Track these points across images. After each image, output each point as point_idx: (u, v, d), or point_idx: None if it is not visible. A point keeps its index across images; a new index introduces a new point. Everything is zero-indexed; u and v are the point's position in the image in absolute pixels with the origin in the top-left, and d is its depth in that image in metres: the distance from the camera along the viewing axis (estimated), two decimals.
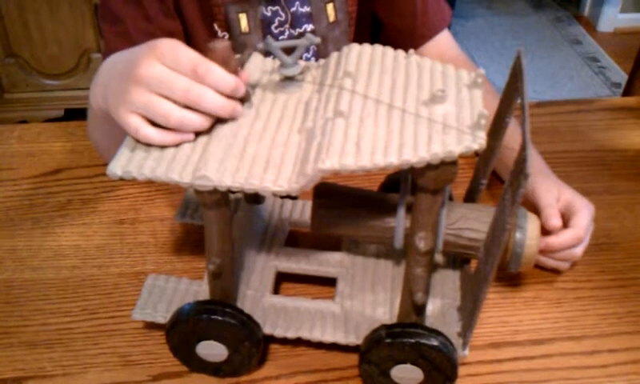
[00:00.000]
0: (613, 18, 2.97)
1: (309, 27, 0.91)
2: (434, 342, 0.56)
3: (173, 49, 0.54)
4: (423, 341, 0.56)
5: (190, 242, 0.77)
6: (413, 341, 0.56)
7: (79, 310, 0.69)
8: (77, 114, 2.13)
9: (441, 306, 0.63)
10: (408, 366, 0.57)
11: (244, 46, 0.90)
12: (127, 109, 0.56)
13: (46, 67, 2.12)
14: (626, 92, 1.18)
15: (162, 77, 0.54)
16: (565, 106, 1.02)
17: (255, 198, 0.74)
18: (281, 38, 0.90)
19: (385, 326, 0.57)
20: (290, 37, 0.90)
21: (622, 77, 2.65)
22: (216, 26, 0.87)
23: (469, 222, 0.60)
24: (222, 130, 0.54)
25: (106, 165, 0.86)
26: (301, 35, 0.91)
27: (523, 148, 0.47)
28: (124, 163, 0.53)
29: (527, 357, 0.65)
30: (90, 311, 0.69)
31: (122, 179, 0.56)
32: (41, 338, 0.66)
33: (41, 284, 0.72)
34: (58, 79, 2.15)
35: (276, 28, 0.90)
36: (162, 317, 0.62)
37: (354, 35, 0.95)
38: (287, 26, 0.90)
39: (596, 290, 0.72)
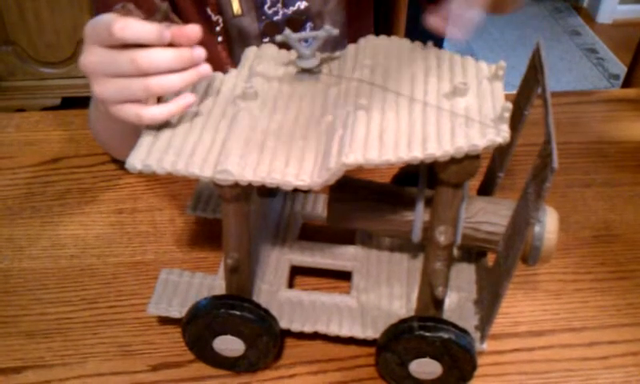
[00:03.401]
0: (612, 10, 2.97)
1: (302, 5, 0.89)
2: (464, 342, 0.55)
3: (93, 27, 0.51)
4: (455, 339, 0.55)
5: (190, 231, 0.77)
6: (446, 337, 0.55)
7: (78, 299, 0.69)
8: (74, 103, 2.12)
9: (457, 300, 0.63)
10: (429, 360, 0.57)
11: (238, 29, 0.88)
12: (112, 103, 0.53)
13: (42, 55, 2.11)
14: (626, 84, 1.17)
15: (101, 59, 0.51)
16: (565, 98, 1.02)
17: (268, 191, 0.73)
18: (275, 18, 0.89)
19: (417, 318, 0.57)
20: (284, 16, 0.89)
21: (620, 68, 2.64)
22: (209, 10, 0.86)
23: (487, 216, 0.60)
24: (241, 124, 0.53)
25: (105, 154, 0.87)
26: (295, 14, 0.90)
27: (547, 141, 0.46)
28: (143, 157, 0.51)
29: (527, 348, 0.65)
30: (88, 301, 0.69)
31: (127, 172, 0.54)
32: (39, 328, 0.66)
33: (39, 273, 0.72)
34: (55, 67, 2.14)
35: (269, 8, 0.88)
36: (177, 311, 0.62)
37: (348, 3, 0.92)
38: (279, 5, 0.88)
39: (596, 282, 0.72)
